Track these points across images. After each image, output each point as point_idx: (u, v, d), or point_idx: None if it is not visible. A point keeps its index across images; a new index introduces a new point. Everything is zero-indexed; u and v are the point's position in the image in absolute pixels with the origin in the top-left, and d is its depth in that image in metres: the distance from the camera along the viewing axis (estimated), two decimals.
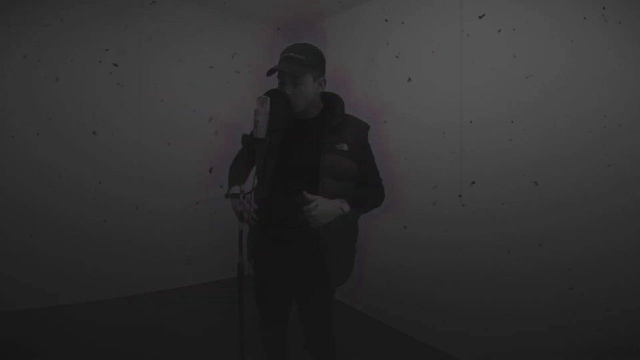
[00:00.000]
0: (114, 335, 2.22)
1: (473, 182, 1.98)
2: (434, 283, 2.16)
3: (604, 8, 1.51)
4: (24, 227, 2.33)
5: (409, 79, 2.30)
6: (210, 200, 2.92)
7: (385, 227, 2.37)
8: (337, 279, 1.34)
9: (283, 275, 1.37)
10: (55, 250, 2.42)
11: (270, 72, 1.26)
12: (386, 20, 2.44)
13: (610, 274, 1.49)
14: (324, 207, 1.19)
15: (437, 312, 2.14)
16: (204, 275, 3.03)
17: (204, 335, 2.28)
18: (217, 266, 3.05)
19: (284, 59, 1.25)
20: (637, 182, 1.44)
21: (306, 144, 1.29)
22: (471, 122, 1.98)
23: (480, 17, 1.92)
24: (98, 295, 2.57)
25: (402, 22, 2.35)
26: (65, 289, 2.45)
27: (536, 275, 1.72)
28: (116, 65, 2.58)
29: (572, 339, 1.60)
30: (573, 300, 1.59)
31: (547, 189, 1.69)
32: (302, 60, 1.23)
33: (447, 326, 2.09)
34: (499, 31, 1.85)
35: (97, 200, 2.55)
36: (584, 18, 1.56)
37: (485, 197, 1.93)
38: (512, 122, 1.81)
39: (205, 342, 2.20)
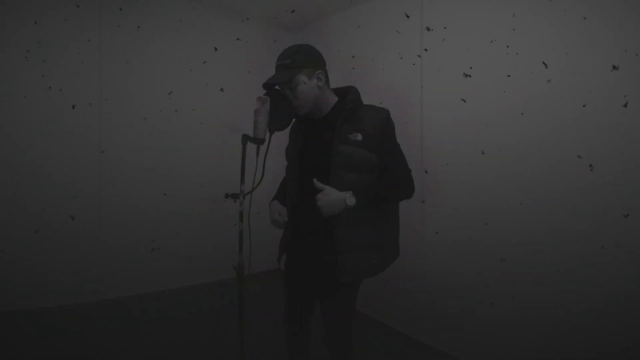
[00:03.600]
0: (114, 335, 2.22)
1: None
2: (431, 281, 2.16)
3: None
4: (25, 227, 2.33)
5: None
6: (211, 200, 2.92)
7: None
8: (349, 275, 1.26)
9: (306, 273, 1.38)
10: (55, 250, 2.42)
11: (265, 86, 1.28)
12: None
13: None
14: (329, 198, 1.17)
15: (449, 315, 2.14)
16: (204, 275, 3.03)
17: (203, 335, 2.28)
18: (217, 266, 3.04)
19: (276, 68, 1.29)
20: None
21: (321, 141, 1.29)
22: (487, 125, 1.97)
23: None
24: (98, 296, 2.57)
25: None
26: (65, 289, 2.45)
27: (549, 277, 1.70)
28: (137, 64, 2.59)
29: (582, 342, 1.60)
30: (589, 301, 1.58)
31: (561, 190, 1.66)
32: (290, 64, 1.25)
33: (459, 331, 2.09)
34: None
35: (97, 200, 2.55)
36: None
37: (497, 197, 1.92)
38: (522, 114, 1.78)
39: (205, 342, 2.20)
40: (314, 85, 1.28)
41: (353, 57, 2.70)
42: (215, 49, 3.00)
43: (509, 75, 1.81)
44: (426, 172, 2.20)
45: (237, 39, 3.10)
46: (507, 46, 1.82)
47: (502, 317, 1.84)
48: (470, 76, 1.98)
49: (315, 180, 1.18)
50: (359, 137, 1.23)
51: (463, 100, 2.02)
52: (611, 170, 1.50)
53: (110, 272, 2.61)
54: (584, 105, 1.56)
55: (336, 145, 1.23)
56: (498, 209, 1.87)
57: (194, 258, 2.98)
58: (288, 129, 1.38)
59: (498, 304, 1.86)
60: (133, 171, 2.69)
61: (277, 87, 1.30)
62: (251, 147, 1.17)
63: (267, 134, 1.21)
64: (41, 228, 2.38)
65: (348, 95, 1.31)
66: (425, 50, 2.22)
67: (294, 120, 1.39)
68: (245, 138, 1.20)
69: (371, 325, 2.49)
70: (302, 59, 1.27)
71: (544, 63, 1.68)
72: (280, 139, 1.38)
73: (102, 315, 2.47)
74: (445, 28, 2.10)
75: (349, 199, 1.17)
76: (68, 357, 1.97)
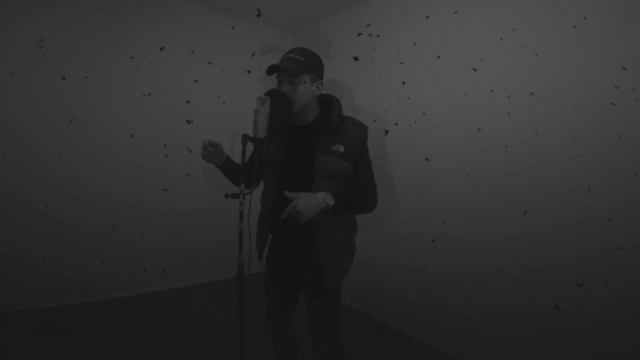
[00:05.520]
0: (114, 335, 2.22)
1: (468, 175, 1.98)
2: (431, 281, 2.16)
3: None
4: (25, 227, 2.33)
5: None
6: (211, 200, 2.93)
7: (383, 225, 2.38)
8: (332, 278, 1.36)
9: (290, 273, 1.43)
10: (56, 251, 2.42)
11: (269, 70, 1.29)
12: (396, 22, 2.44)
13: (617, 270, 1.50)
14: (307, 202, 1.19)
15: (434, 310, 2.15)
16: (204, 275, 3.04)
17: (203, 335, 2.29)
18: (217, 266, 3.05)
19: (284, 59, 1.31)
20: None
21: (305, 149, 1.31)
22: (479, 129, 1.99)
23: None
24: (98, 296, 2.57)
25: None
26: (66, 289, 2.45)
27: (538, 272, 1.72)
28: (136, 64, 2.60)
29: (574, 338, 1.60)
30: (578, 297, 1.59)
31: (547, 188, 1.70)
32: (301, 61, 1.27)
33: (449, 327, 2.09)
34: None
35: (97, 200, 2.55)
36: None
37: (485, 197, 1.93)
38: (509, 120, 1.81)
39: (205, 342, 2.20)
40: (311, 91, 1.31)
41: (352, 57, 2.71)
42: (214, 48, 3.01)
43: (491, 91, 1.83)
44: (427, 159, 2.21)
45: (239, 42, 3.10)
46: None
47: (502, 316, 1.84)
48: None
49: (285, 191, 1.22)
50: (342, 148, 1.28)
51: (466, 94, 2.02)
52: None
53: (110, 272, 2.61)
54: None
55: (319, 155, 1.27)
56: (497, 207, 1.88)
57: (194, 258, 2.99)
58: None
59: (497, 304, 1.86)
60: (133, 170, 2.69)
61: (277, 88, 1.30)
62: (251, 147, 1.17)
63: (267, 134, 1.21)
64: (41, 228, 2.37)
65: (333, 110, 1.34)
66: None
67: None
68: (245, 138, 1.20)
69: (371, 325, 2.49)
70: (312, 62, 1.30)
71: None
72: None
73: (102, 315, 2.47)
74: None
75: (328, 198, 1.23)
76: (68, 357, 1.97)
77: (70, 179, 2.46)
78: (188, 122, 2.82)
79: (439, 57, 2.14)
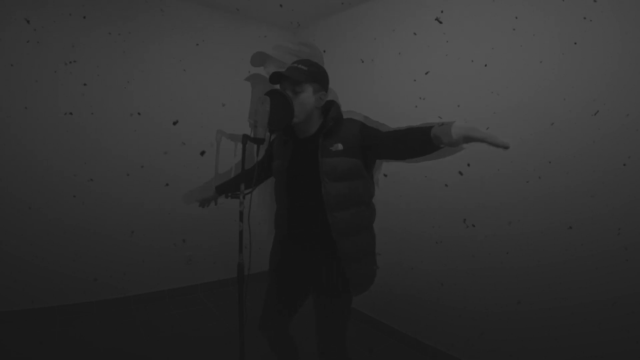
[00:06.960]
0: (114, 335, 2.23)
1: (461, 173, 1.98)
2: (430, 280, 2.16)
3: None
4: (25, 227, 2.33)
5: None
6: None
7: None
8: (359, 286, 1.32)
9: (301, 278, 1.41)
10: (55, 250, 2.42)
11: (273, 78, 1.29)
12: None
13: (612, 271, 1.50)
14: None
15: (432, 308, 2.15)
16: (204, 275, 3.04)
17: (203, 335, 2.29)
18: (217, 266, 3.05)
19: (289, 68, 1.30)
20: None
21: (308, 158, 1.31)
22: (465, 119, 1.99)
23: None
24: (98, 296, 2.57)
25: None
26: (66, 289, 2.45)
27: (535, 271, 1.73)
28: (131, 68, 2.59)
29: (570, 338, 1.60)
30: (571, 297, 1.60)
31: (546, 185, 1.70)
32: (305, 71, 1.27)
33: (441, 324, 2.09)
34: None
35: (97, 200, 2.55)
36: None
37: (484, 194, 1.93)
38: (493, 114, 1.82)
39: (205, 342, 2.20)
40: (313, 102, 1.30)
41: (351, 57, 2.71)
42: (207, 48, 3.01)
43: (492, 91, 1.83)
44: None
45: (238, 39, 3.10)
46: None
47: (502, 315, 1.84)
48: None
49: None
50: (340, 146, 1.26)
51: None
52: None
53: (110, 272, 2.61)
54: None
55: (321, 159, 1.26)
56: (494, 205, 1.88)
57: (194, 258, 2.99)
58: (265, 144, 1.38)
59: (497, 303, 1.87)
60: (132, 169, 2.69)
61: (278, 87, 1.30)
62: (251, 147, 1.17)
63: (267, 134, 1.22)
64: (40, 228, 2.37)
65: (330, 113, 1.33)
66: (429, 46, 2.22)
67: (273, 137, 1.47)
68: (245, 138, 1.20)
69: (370, 324, 2.49)
70: (316, 73, 1.30)
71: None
72: None
73: (102, 315, 2.48)
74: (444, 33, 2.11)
75: (449, 125, 0.99)
76: (68, 357, 1.97)
77: (69, 179, 2.45)
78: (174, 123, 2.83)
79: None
